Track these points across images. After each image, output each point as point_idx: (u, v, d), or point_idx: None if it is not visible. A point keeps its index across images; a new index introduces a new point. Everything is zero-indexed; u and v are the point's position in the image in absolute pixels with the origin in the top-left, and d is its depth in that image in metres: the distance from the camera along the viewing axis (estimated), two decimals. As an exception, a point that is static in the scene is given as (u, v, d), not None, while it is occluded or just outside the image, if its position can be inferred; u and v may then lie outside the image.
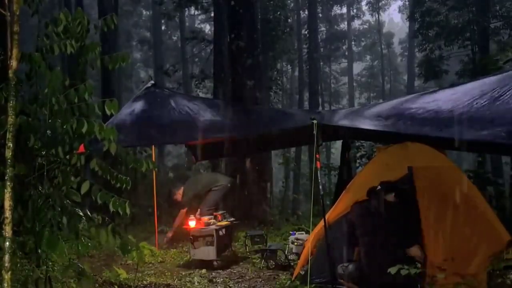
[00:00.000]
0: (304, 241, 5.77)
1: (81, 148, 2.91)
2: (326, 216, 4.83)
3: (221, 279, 5.58)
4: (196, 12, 24.07)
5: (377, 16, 33.08)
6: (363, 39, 35.46)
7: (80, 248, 2.98)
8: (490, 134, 4.11)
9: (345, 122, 5.65)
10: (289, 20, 20.67)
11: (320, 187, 5.02)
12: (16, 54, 2.45)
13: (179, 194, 7.32)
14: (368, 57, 36.46)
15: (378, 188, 4.41)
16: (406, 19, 28.01)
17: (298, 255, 5.83)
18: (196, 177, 9.38)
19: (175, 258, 6.77)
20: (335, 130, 5.78)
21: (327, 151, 25.27)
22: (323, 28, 30.24)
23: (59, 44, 2.86)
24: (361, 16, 33.15)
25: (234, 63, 10.10)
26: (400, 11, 35.66)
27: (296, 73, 27.51)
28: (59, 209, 2.73)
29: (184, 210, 7.26)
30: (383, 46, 33.05)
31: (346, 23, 32.88)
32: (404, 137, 4.85)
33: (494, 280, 3.98)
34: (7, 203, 2.33)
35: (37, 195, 2.79)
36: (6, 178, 2.35)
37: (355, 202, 4.62)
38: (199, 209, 7.19)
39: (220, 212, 6.75)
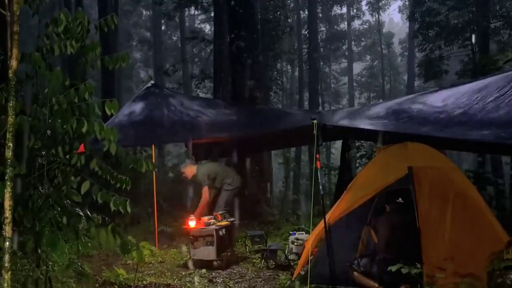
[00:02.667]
0: (304, 241, 5.76)
1: (81, 148, 2.91)
2: (327, 217, 4.82)
3: (221, 279, 5.58)
4: (196, 12, 24.09)
5: (377, 16, 33.05)
6: (363, 39, 35.41)
7: (80, 248, 2.98)
8: (490, 134, 4.11)
9: (345, 122, 5.65)
10: (289, 20, 20.64)
11: (320, 187, 5.01)
12: (16, 54, 2.45)
13: (187, 171, 7.29)
14: (368, 57, 36.41)
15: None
16: (406, 19, 28.03)
17: (298, 255, 5.82)
18: (209, 163, 9.11)
19: (175, 258, 6.77)
20: (335, 130, 5.77)
21: (327, 151, 25.24)
22: (323, 28, 30.21)
23: (59, 44, 2.86)
24: (361, 16, 33.11)
25: (234, 63, 10.09)
26: (400, 11, 35.61)
27: (296, 73, 27.50)
28: (59, 209, 2.73)
29: (206, 188, 7.10)
30: (383, 46, 33.00)
31: (346, 23, 32.84)
32: (404, 137, 4.85)
33: (494, 280, 3.98)
34: (7, 203, 2.33)
35: (37, 195, 2.79)
36: (6, 178, 2.35)
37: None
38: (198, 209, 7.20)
39: (220, 212, 6.75)
